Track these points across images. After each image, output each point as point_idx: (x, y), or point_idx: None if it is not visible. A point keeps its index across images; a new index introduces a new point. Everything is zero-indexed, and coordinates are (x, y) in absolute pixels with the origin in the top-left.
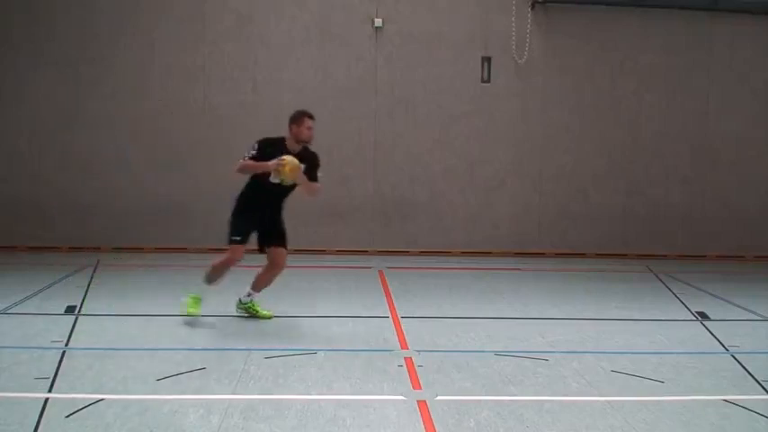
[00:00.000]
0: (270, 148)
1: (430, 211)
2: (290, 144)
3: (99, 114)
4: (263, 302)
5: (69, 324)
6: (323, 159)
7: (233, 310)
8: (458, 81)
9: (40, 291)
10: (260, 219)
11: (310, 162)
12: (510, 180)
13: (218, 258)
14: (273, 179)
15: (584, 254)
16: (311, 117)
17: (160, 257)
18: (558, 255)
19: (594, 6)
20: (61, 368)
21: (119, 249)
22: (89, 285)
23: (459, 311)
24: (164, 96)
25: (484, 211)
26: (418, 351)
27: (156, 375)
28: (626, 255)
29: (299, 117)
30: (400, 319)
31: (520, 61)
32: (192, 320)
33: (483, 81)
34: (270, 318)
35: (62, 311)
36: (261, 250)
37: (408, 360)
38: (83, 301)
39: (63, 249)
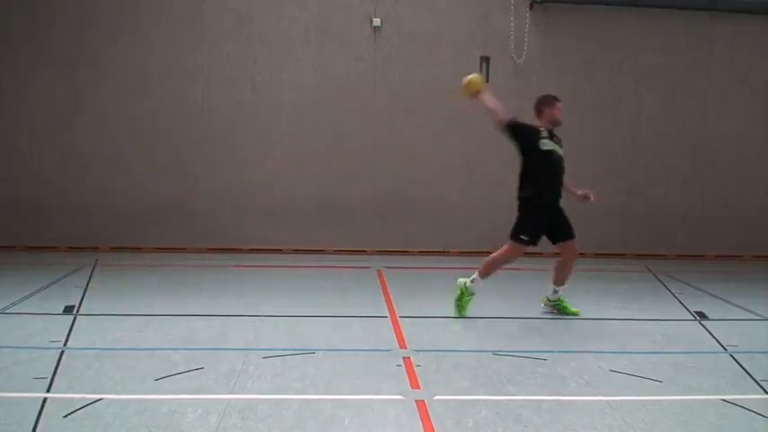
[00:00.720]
0: (533, 129)
1: (429, 211)
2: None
3: (98, 114)
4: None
5: (68, 324)
6: (322, 158)
7: (232, 309)
8: (457, 81)
9: (39, 290)
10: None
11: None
12: (509, 179)
13: (497, 253)
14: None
15: (583, 253)
16: (559, 100)
17: (159, 257)
18: (556, 254)
19: (593, 6)
20: (59, 368)
21: (118, 249)
22: (88, 285)
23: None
24: (163, 96)
25: (483, 211)
26: (417, 351)
27: (154, 375)
28: (625, 254)
29: (551, 99)
30: (399, 318)
31: (518, 61)
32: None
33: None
34: (578, 313)
35: (60, 311)
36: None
37: (407, 360)
38: (81, 300)
39: (62, 249)
